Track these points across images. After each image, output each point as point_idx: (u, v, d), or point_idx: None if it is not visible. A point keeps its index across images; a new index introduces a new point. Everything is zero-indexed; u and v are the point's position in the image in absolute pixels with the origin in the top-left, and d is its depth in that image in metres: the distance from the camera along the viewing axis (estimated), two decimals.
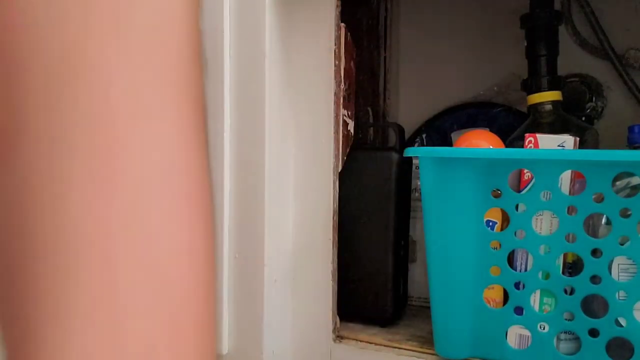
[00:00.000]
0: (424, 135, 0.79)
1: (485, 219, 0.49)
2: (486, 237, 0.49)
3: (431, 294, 0.51)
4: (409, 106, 0.81)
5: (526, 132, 0.52)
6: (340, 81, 0.55)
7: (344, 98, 0.56)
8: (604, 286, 0.46)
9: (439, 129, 0.78)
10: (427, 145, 0.78)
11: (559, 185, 0.46)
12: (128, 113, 0.21)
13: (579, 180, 0.47)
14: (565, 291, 0.48)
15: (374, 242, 0.58)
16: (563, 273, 0.48)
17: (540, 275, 0.48)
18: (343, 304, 0.57)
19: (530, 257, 0.49)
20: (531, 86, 0.60)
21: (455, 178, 0.48)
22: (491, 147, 0.54)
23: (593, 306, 0.48)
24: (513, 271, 0.49)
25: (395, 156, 0.59)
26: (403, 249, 0.61)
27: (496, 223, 0.51)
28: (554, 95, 0.60)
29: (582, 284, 0.46)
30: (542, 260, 0.48)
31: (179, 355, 0.21)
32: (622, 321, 0.46)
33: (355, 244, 0.59)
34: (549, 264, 0.48)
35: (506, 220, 0.49)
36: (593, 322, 0.46)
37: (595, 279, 0.46)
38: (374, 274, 0.58)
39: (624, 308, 0.46)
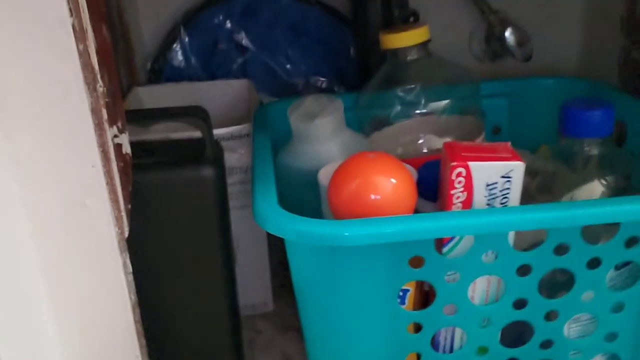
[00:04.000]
0: (185, 40, 0.64)
1: None
2: (401, 321, 0.38)
3: None
4: (155, 5, 0.65)
5: (383, 86, 0.45)
6: (96, 79, 0.32)
7: (107, 105, 0.33)
8: (556, 350, 0.41)
9: (207, 27, 0.64)
10: (191, 52, 0.62)
11: (507, 241, 0.36)
12: None
13: None
14: None
15: (201, 301, 0.43)
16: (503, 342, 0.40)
17: (474, 351, 0.40)
18: None
19: (460, 332, 0.40)
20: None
21: (351, 264, 0.36)
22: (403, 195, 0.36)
23: None
24: (438, 353, 0.40)
25: (210, 172, 0.40)
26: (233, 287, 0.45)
27: (409, 291, 0.39)
28: (419, 34, 0.48)
29: (529, 353, 0.41)
30: (479, 336, 0.39)
31: None
32: None
33: (175, 313, 0.43)
34: (487, 339, 0.40)
35: (419, 289, 0.39)
36: None
37: (546, 344, 0.41)
38: (208, 347, 0.44)
39: None
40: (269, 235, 0.57)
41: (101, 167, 0.35)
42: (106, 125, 0.36)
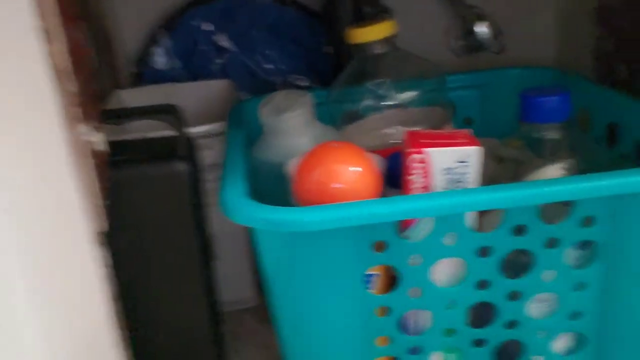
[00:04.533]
0: (167, 43, 0.68)
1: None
2: (368, 305, 0.39)
3: None
4: (135, 9, 0.67)
5: (353, 81, 0.47)
6: (67, 80, 0.33)
7: (79, 105, 0.35)
8: (521, 329, 0.42)
9: (187, 30, 0.67)
10: (173, 55, 0.66)
11: (465, 223, 0.38)
12: None
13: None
14: (474, 343, 0.42)
15: (178, 292, 0.44)
16: (470, 324, 0.41)
17: (442, 333, 0.41)
18: None
19: (426, 314, 0.41)
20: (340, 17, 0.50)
21: (316, 250, 0.37)
22: (363, 178, 0.38)
23: (507, 351, 0.46)
24: (406, 336, 0.41)
25: (181, 167, 0.42)
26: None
27: (376, 275, 0.41)
28: (384, 28, 0.49)
29: (495, 333, 0.42)
30: (445, 318, 0.41)
31: None
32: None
33: (153, 305, 0.44)
34: (453, 320, 0.41)
35: (387, 273, 0.41)
36: None
37: (511, 324, 0.42)
38: (188, 339, 0.46)
39: (542, 346, 0.43)
40: (249, 232, 0.59)
41: (75, 164, 0.36)
42: (79, 124, 0.37)
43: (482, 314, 0.43)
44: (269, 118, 0.48)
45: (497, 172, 0.49)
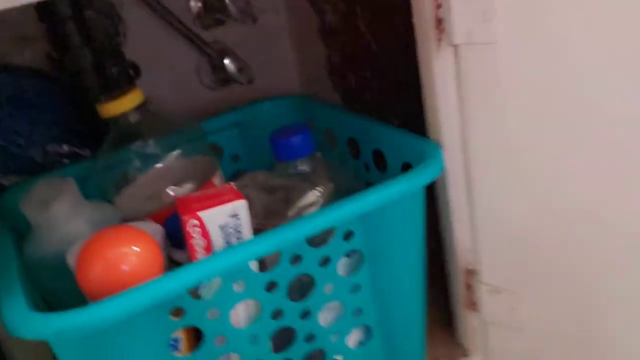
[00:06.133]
0: None
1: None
2: None
3: None
4: None
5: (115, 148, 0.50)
6: None
7: None
8: (319, 339, 0.48)
9: None
10: None
11: (248, 268, 0.42)
12: None
13: None
14: None
15: None
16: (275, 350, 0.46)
17: None
18: None
19: (236, 356, 0.45)
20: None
21: (118, 337, 0.38)
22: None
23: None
24: None
25: None
26: None
27: (181, 338, 0.44)
28: (133, 98, 0.52)
29: (298, 350, 0.47)
30: (252, 353, 0.45)
31: None
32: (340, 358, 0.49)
33: None
34: (259, 352, 0.46)
35: (190, 331, 0.44)
36: None
37: (309, 338, 0.48)
38: None
39: (339, 346, 0.50)
40: None
41: None
42: None
43: (283, 338, 0.48)
44: (35, 214, 0.47)
45: (271, 201, 0.55)
